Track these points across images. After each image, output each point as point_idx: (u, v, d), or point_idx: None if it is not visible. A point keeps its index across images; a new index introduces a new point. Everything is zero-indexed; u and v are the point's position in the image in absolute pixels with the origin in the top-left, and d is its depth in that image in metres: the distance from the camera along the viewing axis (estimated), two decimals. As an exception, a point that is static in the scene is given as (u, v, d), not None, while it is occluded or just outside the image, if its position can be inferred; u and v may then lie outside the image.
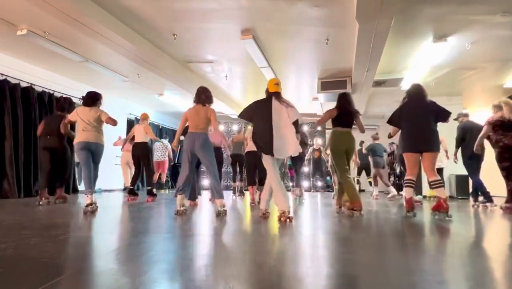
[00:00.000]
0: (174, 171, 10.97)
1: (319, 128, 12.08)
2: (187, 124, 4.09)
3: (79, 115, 4.39)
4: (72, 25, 4.59)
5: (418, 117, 3.91)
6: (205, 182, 9.98)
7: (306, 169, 11.17)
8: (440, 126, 3.99)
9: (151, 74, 6.90)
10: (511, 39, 5.40)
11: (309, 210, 5.04)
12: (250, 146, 5.64)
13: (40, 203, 4.82)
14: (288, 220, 3.35)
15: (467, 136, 5.50)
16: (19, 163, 6.23)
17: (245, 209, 5.02)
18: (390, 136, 4.47)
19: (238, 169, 7.44)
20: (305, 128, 12.06)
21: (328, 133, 10.50)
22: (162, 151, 9.05)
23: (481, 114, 8.72)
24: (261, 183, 5.20)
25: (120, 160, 8.06)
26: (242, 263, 1.81)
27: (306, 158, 10.26)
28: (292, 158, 6.89)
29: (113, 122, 4.51)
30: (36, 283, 1.36)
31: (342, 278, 1.54)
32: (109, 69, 6.90)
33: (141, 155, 6.00)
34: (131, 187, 6.08)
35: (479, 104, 9.27)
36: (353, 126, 4.36)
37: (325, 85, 7.45)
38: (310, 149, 9.31)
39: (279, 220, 3.39)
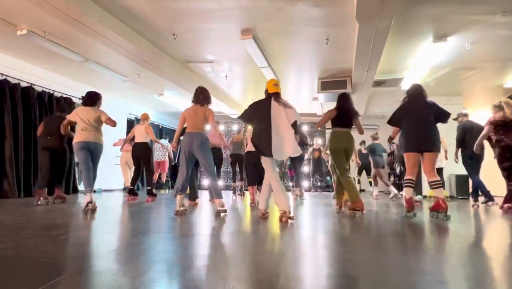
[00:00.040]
0: (174, 171, 10.98)
1: (319, 128, 12.07)
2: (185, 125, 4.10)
3: (79, 115, 4.40)
4: (72, 25, 4.59)
5: (419, 117, 3.92)
6: (205, 182, 9.99)
7: (306, 169, 11.19)
8: (440, 126, 3.99)
9: (151, 74, 6.90)
10: (511, 39, 5.40)
11: (309, 210, 5.04)
12: (250, 146, 5.64)
13: (38, 202, 4.82)
14: (289, 219, 3.35)
15: (466, 136, 5.50)
16: (19, 163, 6.23)
17: (245, 209, 5.02)
18: (390, 139, 4.46)
19: (238, 169, 7.44)
20: (305, 128, 12.06)
21: (328, 133, 10.50)
22: (162, 151, 9.05)
23: (481, 114, 8.73)
24: (262, 183, 5.21)
25: (120, 160, 8.06)
26: (242, 263, 1.81)
27: (306, 157, 10.29)
28: (291, 158, 6.89)
29: (113, 123, 4.51)
30: (36, 283, 1.36)
31: (342, 278, 1.54)
32: (109, 69, 6.90)
33: (141, 155, 6.00)
34: (131, 187, 6.08)
35: (479, 104, 9.27)
36: (353, 126, 4.37)
37: (325, 85, 7.45)
38: (310, 149, 9.31)
39: (280, 220, 3.39)
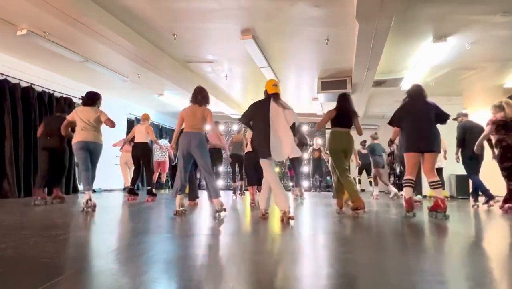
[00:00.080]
0: (174, 171, 10.97)
1: (319, 129, 12.06)
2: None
3: (78, 115, 4.40)
4: (72, 25, 4.59)
5: (420, 118, 3.92)
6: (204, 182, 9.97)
7: (306, 169, 11.19)
8: (440, 126, 3.99)
9: (151, 74, 6.90)
10: (511, 39, 5.40)
11: (309, 210, 5.04)
12: (250, 146, 5.64)
13: (36, 202, 4.83)
14: (289, 219, 3.35)
15: (466, 136, 5.50)
16: (19, 163, 6.23)
17: (245, 209, 5.02)
18: (391, 142, 4.44)
19: (237, 169, 7.44)
20: (305, 128, 12.06)
21: (328, 133, 10.51)
22: (162, 151, 9.05)
23: (481, 114, 8.73)
24: (261, 183, 5.21)
25: (119, 160, 8.06)
26: (242, 263, 1.81)
27: (306, 157, 10.29)
28: (290, 159, 6.90)
29: (112, 124, 4.51)
30: (36, 283, 1.36)
31: (342, 278, 1.54)
32: (109, 69, 6.90)
33: (141, 155, 6.00)
34: (131, 187, 6.08)
35: (479, 104, 9.27)
36: (352, 126, 4.37)
37: (325, 85, 7.45)
38: (310, 149, 9.32)
39: (282, 220, 3.38)
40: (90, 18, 4.43)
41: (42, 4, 4.02)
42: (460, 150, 5.63)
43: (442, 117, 3.97)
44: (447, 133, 6.12)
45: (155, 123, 11.04)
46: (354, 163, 8.01)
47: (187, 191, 4.95)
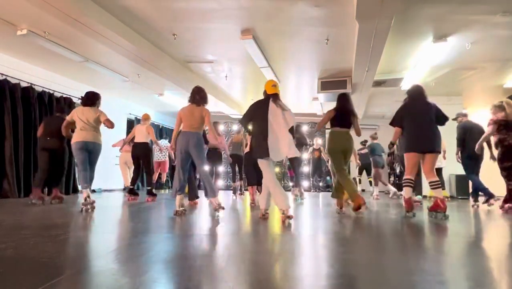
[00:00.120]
0: (174, 171, 10.97)
1: (319, 129, 12.06)
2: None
3: (78, 116, 4.40)
4: (72, 25, 4.59)
5: (421, 118, 3.92)
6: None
7: (306, 169, 11.20)
8: (439, 127, 3.99)
9: (151, 74, 6.90)
10: (511, 39, 5.40)
11: (309, 210, 5.04)
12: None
13: (33, 201, 4.84)
14: (287, 219, 3.35)
15: (466, 136, 5.50)
16: (19, 163, 6.23)
17: (245, 209, 5.02)
18: (392, 145, 4.42)
19: (237, 169, 7.44)
20: (305, 128, 12.06)
21: (328, 133, 10.51)
22: (162, 151, 9.05)
23: (481, 114, 8.72)
24: (261, 183, 5.22)
25: (119, 160, 8.06)
26: (242, 263, 1.81)
27: (306, 157, 10.28)
28: (290, 159, 6.91)
29: (110, 125, 4.50)
30: (36, 283, 1.36)
31: (342, 278, 1.54)
32: (109, 69, 6.90)
33: (141, 154, 6.00)
34: (131, 187, 6.08)
35: (479, 104, 9.26)
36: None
37: (325, 85, 7.45)
38: (310, 149, 9.32)
39: (282, 221, 3.36)
40: (90, 18, 4.42)
41: (42, 4, 4.02)
42: (460, 150, 5.63)
43: (441, 118, 3.98)
44: (447, 133, 6.13)
45: (155, 123, 11.04)
46: (354, 163, 8.02)
47: (186, 190, 4.95)
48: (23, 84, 6.52)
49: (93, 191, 8.24)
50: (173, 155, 9.28)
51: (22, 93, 6.43)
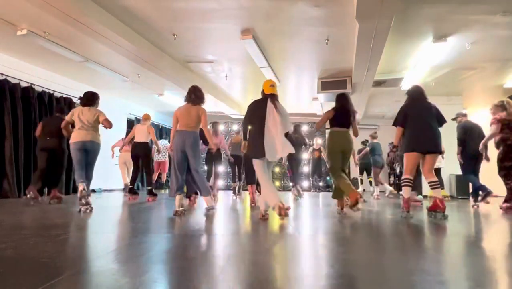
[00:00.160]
0: (174, 170, 10.96)
1: (318, 129, 12.06)
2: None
3: (77, 116, 4.39)
4: (72, 25, 4.59)
5: (422, 118, 3.91)
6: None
7: (306, 169, 11.19)
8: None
9: (151, 74, 6.90)
10: (511, 39, 5.40)
11: (309, 210, 5.04)
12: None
13: (28, 196, 4.94)
14: (286, 211, 3.32)
15: (466, 136, 5.50)
16: (19, 163, 6.23)
17: (245, 209, 5.02)
18: (394, 147, 4.40)
19: (237, 169, 7.44)
20: (305, 128, 12.06)
21: (328, 133, 10.51)
22: (162, 151, 9.05)
23: (481, 114, 8.73)
24: (260, 182, 5.23)
25: (118, 160, 8.06)
26: (242, 263, 1.81)
27: (306, 157, 10.27)
28: (289, 158, 6.92)
29: (109, 125, 4.48)
30: (36, 283, 1.36)
31: (342, 278, 1.54)
32: (109, 69, 6.90)
33: (141, 154, 6.01)
34: (131, 187, 6.09)
35: (479, 104, 9.27)
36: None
37: (325, 85, 7.45)
38: (310, 149, 9.31)
39: (280, 215, 3.34)
40: (90, 18, 4.42)
41: (42, 4, 4.02)
42: (460, 150, 5.62)
43: (440, 120, 3.98)
44: (447, 133, 6.12)
45: (155, 123, 11.04)
46: (353, 163, 8.01)
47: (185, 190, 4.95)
48: (23, 84, 6.52)
49: (93, 191, 8.24)
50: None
51: (22, 93, 6.43)
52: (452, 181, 8.38)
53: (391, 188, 7.60)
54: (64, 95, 7.41)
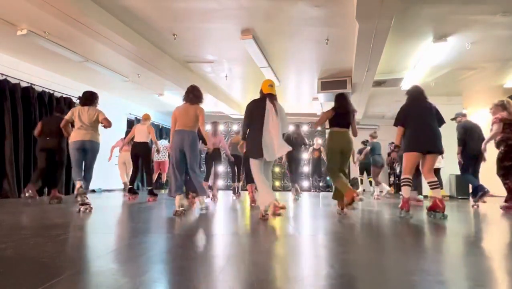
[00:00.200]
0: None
1: (319, 128, 12.10)
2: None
3: (77, 115, 4.39)
4: (72, 25, 4.59)
5: (423, 118, 3.91)
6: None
7: (306, 169, 11.19)
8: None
9: (151, 74, 6.90)
10: (511, 39, 5.40)
11: (309, 210, 5.04)
12: None
13: (26, 195, 4.97)
14: (281, 209, 3.33)
15: (466, 136, 5.50)
16: (19, 163, 6.23)
17: (245, 209, 5.02)
18: (396, 147, 4.39)
19: (236, 169, 7.44)
20: (305, 128, 12.06)
21: (327, 133, 10.50)
22: (162, 151, 9.06)
23: (481, 114, 8.73)
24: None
25: (118, 160, 8.06)
26: (242, 263, 1.81)
27: (306, 157, 10.27)
28: (289, 158, 6.93)
29: (108, 124, 4.48)
30: (36, 283, 1.36)
31: (342, 278, 1.54)
32: (109, 69, 6.90)
33: (142, 154, 6.01)
34: (130, 186, 6.09)
35: (479, 104, 9.27)
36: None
37: (325, 85, 7.45)
38: (310, 149, 9.31)
39: (274, 214, 3.36)
40: (90, 18, 4.43)
41: (42, 4, 4.02)
42: (461, 149, 5.62)
43: (439, 120, 3.98)
44: (447, 134, 6.12)
45: (155, 123, 11.05)
46: (352, 163, 8.01)
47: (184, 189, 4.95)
48: (23, 84, 6.53)
49: (93, 191, 8.25)
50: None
51: (22, 93, 6.44)
52: (452, 181, 8.38)
53: (388, 188, 7.60)
54: (64, 95, 7.41)
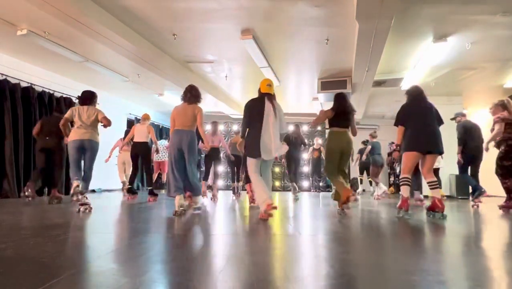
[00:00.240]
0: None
1: (319, 128, 12.10)
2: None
3: (76, 114, 4.39)
4: (72, 25, 4.59)
5: (423, 118, 3.90)
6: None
7: (305, 168, 11.19)
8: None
9: (151, 74, 6.90)
10: (511, 39, 5.40)
11: (309, 210, 5.04)
12: None
13: (26, 194, 5.00)
14: (273, 209, 3.36)
15: (466, 135, 5.50)
16: (19, 163, 6.23)
17: (245, 209, 5.02)
18: (398, 146, 4.39)
19: (236, 169, 7.44)
20: (305, 128, 12.06)
21: (327, 133, 10.50)
22: (162, 151, 9.05)
23: (481, 114, 8.73)
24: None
25: (117, 160, 8.05)
26: (242, 263, 1.81)
27: (306, 157, 10.27)
28: (288, 158, 6.93)
29: (108, 122, 4.48)
30: (36, 283, 1.36)
31: (342, 278, 1.54)
32: (109, 69, 6.90)
33: (142, 154, 6.01)
34: (130, 186, 6.08)
35: (479, 104, 9.27)
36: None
37: (325, 85, 7.45)
38: (310, 149, 9.30)
39: (264, 214, 3.38)
40: (90, 18, 4.43)
41: (42, 4, 4.02)
42: (461, 149, 5.62)
43: (438, 121, 3.98)
44: (447, 134, 6.12)
45: (155, 123, 11.05)
46: (352, 162, 8.02)
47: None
48: (23, 84, 6.53)
49: (93, 191, 8.25)
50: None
51: (22, 93, 6.44)
52: (452, 181, 8.38)
53: (385, 188, 7.59)
54: (64, 95, 7.41)
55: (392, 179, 10.66)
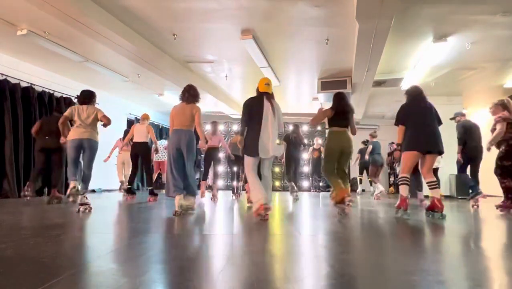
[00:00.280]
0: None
1: (319, 128, 12.10)
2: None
3: (76, 113, 4.39)
4: (72, 25, 4.59)
5: (423, 117, 3.90)
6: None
7: (305, 168, 11.19)
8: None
9: (151, 74, 6.90)
10: (511, 39, 5.40)
11: (309, 210, 5.04)
12: None
13: (26, 193, 5.06)
14: (266, 210, 3.37)
15: (466, 135, 5.50)
16: (19, 163, 6.23)
17: (245, 209, 5.02)
18: (399, 146, 4.38)
19: (235, 169, 7.45)
20: (305, 128, 12.06)
21: (327, 133, 10.49)
22: (162, 151, 9.05)
23: (481, 114, 8.73)
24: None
25: (117, 160, 8.05)
26: (242, 263, 1.81)
27: (306, 157, 10.27)
28: (288, 157, 6.94)
29: (107, 121, 4.48)
30: (36, 283, 1.36)
31: (342, 278, 1.54)
32: (109, 69, 6.90)
33: (142, 153, 6.01)
34: (129, 186, 6.08)
35: (479, 104, 9.27)
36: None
37: (325, 85, 7.46)
38: (310, 149, 9.31)
39: (259, 214, 3.39)
40: (90, 18, 4.43)
41: (42, 4, 4.02)
42: (461, 148, 5.62)
43: (437, 121, 3.98)
44: (447, 134, 6.11)
45: (155, 123, 11.05)
46: (352, 162, 8.02)
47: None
48: (23, 84, 6.53)
49: (93, 191, 8.25)
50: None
51: (22, 93, 6.44)
52: (452, 181, 8.38)
53: (382, 188, 7.59)
54: (64, 95, 7.41)
55: (392, 179, 10.66)
